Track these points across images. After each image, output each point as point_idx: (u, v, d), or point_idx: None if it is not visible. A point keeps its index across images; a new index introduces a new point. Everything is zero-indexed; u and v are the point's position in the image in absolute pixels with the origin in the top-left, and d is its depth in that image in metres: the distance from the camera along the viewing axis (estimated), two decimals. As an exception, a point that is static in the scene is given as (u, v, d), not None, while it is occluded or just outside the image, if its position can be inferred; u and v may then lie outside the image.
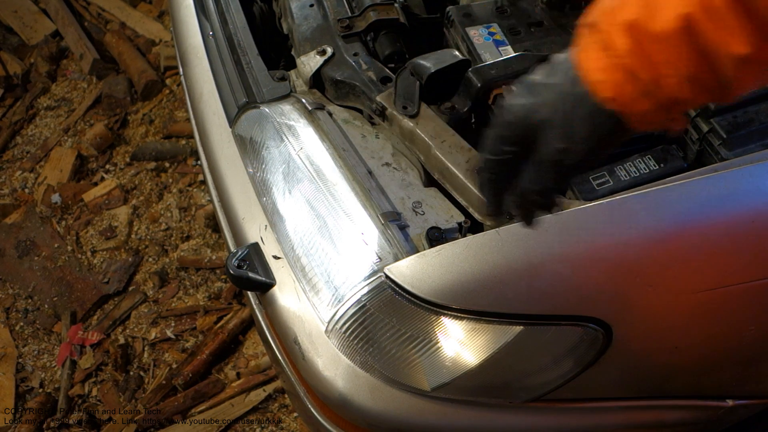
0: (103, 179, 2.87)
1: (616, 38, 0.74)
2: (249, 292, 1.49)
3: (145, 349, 2.36)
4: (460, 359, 1.15)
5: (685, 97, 0.75)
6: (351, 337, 1.16)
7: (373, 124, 1.44)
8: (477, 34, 1.50)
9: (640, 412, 1.31)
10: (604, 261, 1.10)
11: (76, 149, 2.96)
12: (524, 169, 0.85)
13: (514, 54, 1.42)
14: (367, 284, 1.15)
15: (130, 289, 2.51)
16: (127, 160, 2.92)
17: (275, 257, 1.30)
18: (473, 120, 1.43)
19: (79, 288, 2.52)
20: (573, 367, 1.17)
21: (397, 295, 1.11)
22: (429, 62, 1.38)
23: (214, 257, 2.55)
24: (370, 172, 1.31)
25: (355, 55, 1.50)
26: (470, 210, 1.26)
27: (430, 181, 1.33)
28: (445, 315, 1.10)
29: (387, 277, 1.12)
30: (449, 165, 1.28)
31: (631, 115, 0.77)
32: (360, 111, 1.46)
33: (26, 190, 2.87)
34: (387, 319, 1.13)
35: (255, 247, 1.32)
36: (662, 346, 1.19)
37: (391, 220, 1.21)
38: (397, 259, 1.15)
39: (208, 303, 2.44)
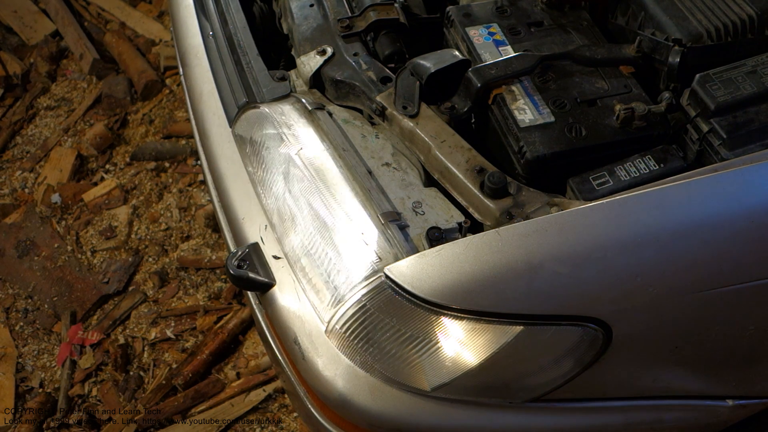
0: (103, 179, 2.87)
1: None
2: (249, 292, 1.49)
3: (145, 349, 2.36)
4: (460, 359, 1.14)
5: None
6: (351, 337, 1.16)
7: (373, 124, 1.44)
8: (477, 34, 1.50)
9: (640, 412, 1.31)
10: (603, 261, 1.09)
11: (76, 149, 2.96)
12: None
13: (514, 54, 1.42)
14: (367, 284, 1.15)
15: (130, 289, 2.51)
16: (127, 160, 2.92)
17: (275, 257, 1.30)
18: (473, 120, 1.43)
19: (79, 288, 2.52)
20: (573, 367, 1.17)
21: (397, 295, 1.11)
22: (429, 62, 1.38)
23: (214, 257, 2.55)
24: (370, 172, 1.31)
25: (355, 55, 1.50)
26: (470, 210, 1.26)
27: (430, 181, 1.33)
28: (445, 315, 1.10)
29: (387, 277, 1.12)
30: (449, 165, 1.28)
31: None
32: (360, 111, 1.46)
33: (26, 190, 2.86)
34: (387, 319, 1.13)
35: (255, 247, 1.33)
36: (662, 346, 1.19)
37: (391, 220, 1.21)
38: (397, 259, 1.15)
39: (208, 303, 2.44)
